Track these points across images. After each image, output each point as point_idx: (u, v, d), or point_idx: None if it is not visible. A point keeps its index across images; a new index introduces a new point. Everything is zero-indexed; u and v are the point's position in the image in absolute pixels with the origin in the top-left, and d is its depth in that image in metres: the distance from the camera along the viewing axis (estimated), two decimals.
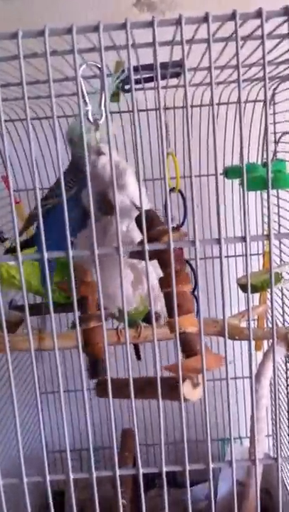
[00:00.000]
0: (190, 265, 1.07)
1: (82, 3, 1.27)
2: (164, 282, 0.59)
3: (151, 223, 0.58)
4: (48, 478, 0.51)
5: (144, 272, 0.51)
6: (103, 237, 0.74)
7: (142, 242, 0.48)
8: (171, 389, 0.53)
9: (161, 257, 0.55)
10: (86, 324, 0.90)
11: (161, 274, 0.62)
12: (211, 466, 0.52)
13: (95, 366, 0.75)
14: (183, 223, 1.11)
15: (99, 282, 0.49)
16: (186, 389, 0.62)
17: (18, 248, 0.48)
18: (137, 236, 0.68)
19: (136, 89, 1.00)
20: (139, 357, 1.13)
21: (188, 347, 0.62)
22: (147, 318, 1.01)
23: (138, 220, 0.61)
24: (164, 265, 0.58)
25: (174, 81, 0.99)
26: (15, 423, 0.51)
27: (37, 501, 1.30)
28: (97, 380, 0.75)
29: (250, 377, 0.54)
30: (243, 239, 0.47)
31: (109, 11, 1.26)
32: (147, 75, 0.90)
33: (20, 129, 1.17)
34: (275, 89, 1.13)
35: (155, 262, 0.62)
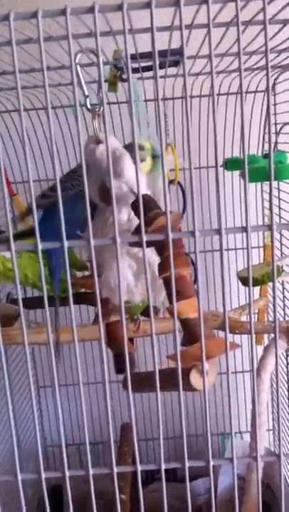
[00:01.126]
0: (190, 258, 1.06)
1: None
2: (162, 267, 0.57)
3: (148, 208, 0.56)
4: (43, 475, 0.49)
5: (147, 262, 0.49)
6: (106, 228, 0.72)
7: (139, 229, 0.46)
8: (181, 378, 0.51)
9: (157, 242, 0.53)
10: (106, 319, 0.89)
11: None
12: (212, 463, 0.51)
13: (121, 360, 0.74)
14: (183, 214, 1.09)
15: (95, 274, 0.48)
16: (192, 378, 0.61)
17: (11, 238, 0.47)
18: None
19: (135, 79, 0.98)
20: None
21: (191, 333, 0.60)
22: (146, 312, 0.99)
23: (134, 206, 0.59)
24: (161, 250, 0.56)
25: (173, 70, 0.97)
26: (9, 418, 0.50)
27: (35, 495, 1.30)
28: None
29: (252, 371, 0.52)
30: (244, 229, 0.45)
31: (112, 2, 1.23)
32: (146, 64, 0.89)
33: (17, 120, 1.15)
34: (275, 79, 1.11)
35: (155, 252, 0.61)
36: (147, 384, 0.55)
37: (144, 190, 0.66)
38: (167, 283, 0.57)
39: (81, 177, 0.76)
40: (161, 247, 0.56)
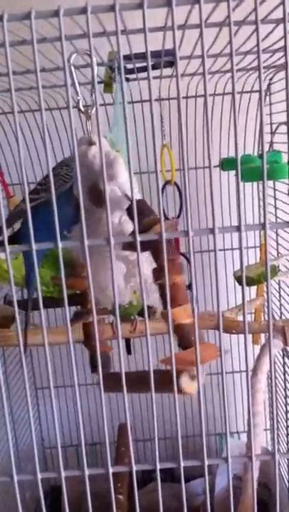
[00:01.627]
0: (186, 257, 1.06)
1: None
2: (157, 273, 0.57)
3: (142, 213, 0.56)
4: (39, 476, 0.49)
5: (137, 264, 0.49)
6: (96, 230, 0.72)
7: (133, 233, 0.46)
8: (170, 382, 0.52)
9: (153, 248, 0.53)
10: (86, 318, 0.89)
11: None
12: (207, 462, 0.51)
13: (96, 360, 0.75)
14: (179, 216, 1.09)
15: (89, 275, 0.48)
16: (183, 382, 0.62)
17: (6, 240, 0.47)
18: (130, 228, 0.67)
19: (130, 80, 0.98)
20: (129, 351, 1.12)
21: (186, 339, 0.61)
22: (143, 313, 0.99)
23: (130, 211, 0.60)
24: (156, 256, 0.57)
25: (168, 71, 0.97)
26: (5, 420, 0.50)
27: (34, 496, 1.30)
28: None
29: (247, 371, 0.52)
30: (238, 228, 0.46)
31: (106, 3, 1.23)
32: (141, 65, 0.89)
33: (13, 122, 1.15)
34: (270, 79, 1.11)
35: (149, 254, 0.61)
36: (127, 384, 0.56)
37: (136, 194, 0.66)
38: (162, 289, 0.57)
39: (64, 177, 0.76)
40: (157, 253, 0.56)
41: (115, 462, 1.07)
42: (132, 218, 0.60)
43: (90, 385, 1.34)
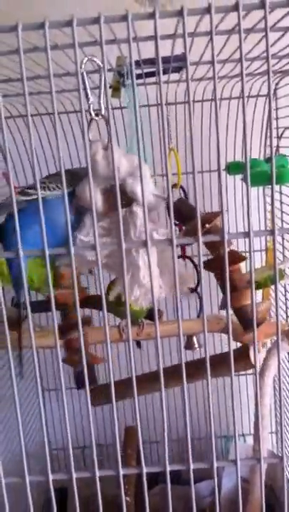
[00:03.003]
0: (192, 262, 1.06)
1: (84, 3, 1.26)
2: (215, 264, 0.63)
3: (190, 211, 0.59)
4: (50, 477, 0.50)
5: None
6: (124, 232, 0.73)
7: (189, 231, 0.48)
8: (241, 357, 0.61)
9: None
10: (69, 333, 0.87)
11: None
12: (216, 465, 0.51)
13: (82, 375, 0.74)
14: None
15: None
16: (251, 355, 0.72)
17: (20, 245, 0.48)
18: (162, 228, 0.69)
19: (137, 85, 0.99)
20: (139, 345, 1.13)
21: (247, 318, 0.70)
22: (149, 316, 1.00)
23: (176, 210, 0.62)
24: (213, 247, 0.60)
25: (175, 76, 0.98)
26: (17, 421, 0.51)
27: (40, 497, 1.30)
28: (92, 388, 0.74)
29: (255, 374, 0.53)
30: (247, 234, 0.46)
31: (110, 6, 1.24)
32: (148, 70, 0.89)
33: (21, 126, 1.16)
34: (277, 83, 1.12)
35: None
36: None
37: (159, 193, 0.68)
38: (222, 278, 0.64)
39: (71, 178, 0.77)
40: (213, 246, 0.60)
41: (122, 465, 1.08)
42: (177, 217, 0.67)
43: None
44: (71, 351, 0.81)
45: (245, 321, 0.69)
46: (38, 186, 0.48)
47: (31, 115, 1.10)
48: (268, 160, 1.10)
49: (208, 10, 0.42)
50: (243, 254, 1.24)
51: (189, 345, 1.17)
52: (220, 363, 0.56)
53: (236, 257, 0.64)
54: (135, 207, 0.65)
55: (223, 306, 0.66)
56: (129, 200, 0.64)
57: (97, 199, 0.64)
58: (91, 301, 0.92)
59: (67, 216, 0.48)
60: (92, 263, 0.69)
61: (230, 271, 0.62)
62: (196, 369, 0.65)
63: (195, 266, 1.05)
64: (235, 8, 0.42)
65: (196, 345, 1.11)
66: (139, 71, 0.89)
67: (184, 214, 0.59)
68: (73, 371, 0.80)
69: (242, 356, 0.73)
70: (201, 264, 0.50)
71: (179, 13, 0.42)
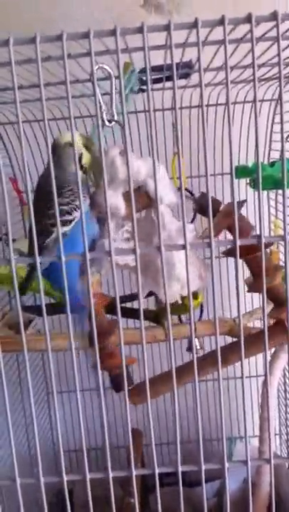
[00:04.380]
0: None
1: (89, 4, 1.27)
2: (247, 251, 0.65)
3: (214, 203, 0.62)
4: (65, 478, 0.51)
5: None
6: (148, 234, 0.74)
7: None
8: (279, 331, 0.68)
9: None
10: (101, 339, 0.88)
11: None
12: (227, 465, 0.53)
13: (117, 379, 0.76)
14: (193, 221, 1.11)
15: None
16: None
17: (36, 251, 0.49)
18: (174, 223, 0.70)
19: (143, 91, 1.01)
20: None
21: (280, 297, 0.74)
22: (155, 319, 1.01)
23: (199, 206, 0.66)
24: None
25: (182, 82, 0.99)
26: (26, 422, 0.52)
27: (48, 499, 1.31)
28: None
29: (266, 377, 0.54)
30: (258, 237, 0.47)
31: (116, 11, 1.26)
32: (156, 76, 0.91)
33: (28, 131, 1.17)
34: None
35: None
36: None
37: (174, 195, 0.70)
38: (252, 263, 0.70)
39: (73, 192, 0.77)
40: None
41: (127, 467, 1.08)
42: (201, 213, 0.71)
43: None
44: (106, 356, 0.81)
45: (279, 299, 0.74)
46: (58, 216, 0.49)
47: (37, 120, 1.12)
48: (273, 164, 1.11)
49: (221, 22, 0.43)
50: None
51: (191, 347, 1.18)
52: (255, 342, 0.60)
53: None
54: (160, 207, 0.66)
55: (255, 289, 0.70)
56: (151, 201, 0.65)
57: (120, 204, 0.65)
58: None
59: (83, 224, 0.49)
60: (123, 267, 0.71)
61: (256, 256, 0.67)
62: (231, 352, 0.69)
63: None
64: (248, 20, 0.44)
65: (198, 348, 1.12)
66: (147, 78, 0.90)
67: (208, 208, 0.60)
68: (109, 375, 0.81)
69: (279, 330, 0.77)
70: (213, 266, 0.51)
71: (194, 25, 0.43)
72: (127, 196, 0.66)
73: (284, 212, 0.47)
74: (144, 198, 0.69)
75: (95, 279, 0.72)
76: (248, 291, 0.75)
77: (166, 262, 0.67)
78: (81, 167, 0.80)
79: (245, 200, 0.91)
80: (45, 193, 0.79)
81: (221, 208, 0.71)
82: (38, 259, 0.49)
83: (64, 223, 0.75)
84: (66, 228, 0.75)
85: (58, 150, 0.79)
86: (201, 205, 0.72)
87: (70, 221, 0.75)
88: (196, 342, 1.18)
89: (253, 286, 0.72)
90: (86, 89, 0.98)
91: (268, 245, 0.79)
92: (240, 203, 0.59)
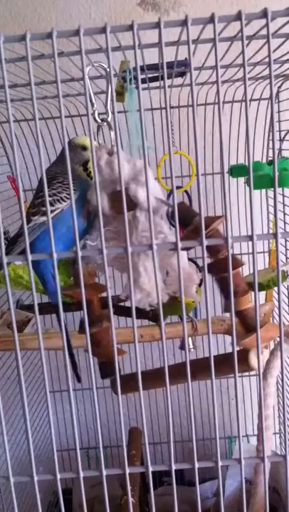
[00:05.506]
0: (196, 264, 1.07)
1: (86, 3, 1.27)
2: (217, 267, 0.62)
3: (189, 214, 0.60)
4: (58, 476, 0.51)
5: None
6: (128, 235, 0.73)
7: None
8: (240, 361, 0.58)
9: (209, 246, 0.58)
10: (94, 327, 0.89)
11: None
12: (220, 463, 0.52)
13: (107, 366, 0.76)
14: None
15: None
16: (252, 358, 0.70)
17: (28, 248, 0.49)
18: (165, 228, 0.69)
19: (141, 89, 1.01)
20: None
21: (250, 322, 0.68)
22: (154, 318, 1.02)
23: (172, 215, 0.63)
24: (213, 251, 0.61)
25: (178, 80, 0.99)
26: (25, 422, 0.52)
27: (47, 498, 1.31)
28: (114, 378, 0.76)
29: (259, 375, 0.54)
30: (250, 238, 0.47)
31: (113, 10, 1.26)
32: (152, 75, 0.91)
33: (25, 129, 1.18)
34: (279, 87, 1.13)
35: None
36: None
37: (161, 196, 0.69)
38: (222, 282, 0.63)
39: (62, 185, 0.78)
40: (213, 249, 0.60)
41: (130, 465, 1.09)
42: (174, 222, 0.63)
43: (101, 388, 1.35)
44: (95, 344, 0.82)
45: (247, 324, 0.69)
46: (48, 206, 0.49)
47: (30, 120, 1.12)
48: (270, 163, 1.11)
49: (211, 20, 0.43)
50: (246, 255, 1.27)
51: (184, 346, 1.18)
52: (218, 365, 0.57)
53: (235, 262, 0.64)
54: (138, 211, 0.66)
55: (227, 309, 0.67)
56: (133, 204, 0.65)
57: (104, 203, 0.65)
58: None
59: (75, 223, 0.49)
60: (100, 266, 0.71)
61: (225, 277, 0.62)
62: (195, 368, 0.67)
63: (198, 267, 1.06)
64: (238, 17, 0.44)
65: (191, 347, 1.12)
66: (142, 76, 0.90)
67: (181, 218, 0.59)
68: (98, 362, 0.83)
69: (240, 360, 0.71)
70: (206, 266, 0.51)
71: (183, 23, 0.43)
72: (112, 197, 0.66)
73: (275, 210, 0.47)
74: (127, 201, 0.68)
75: (86, 270, 0.72)
76: (225, 312, 0.74)
77: (133, 268, 0.67)
78: (86, 169, 0.82)
79: (224, 216, 0.91)
80: (40, 184, 0.84)
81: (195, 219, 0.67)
82: (5, 259, 0.49)
83: (43, 213, 0.77)
84: (44, 218, 0.76)
85: (70, 148, 0.81)
86: (173, 214, 0.70)
87: (52, 211, 0.76)
88: (189, 341, 1.18)
89: (225, 307, 0.70)
90: (83, 87, 0.98)
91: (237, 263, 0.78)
92: (217, 218, 0.57)
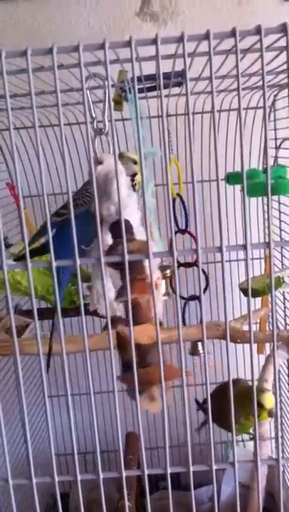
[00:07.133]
0: (191, 265, 1.09)
1: (85, 11, 1.29)
2: (121, 291, 0.59)
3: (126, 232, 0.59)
4: (56, 479, 0.52)
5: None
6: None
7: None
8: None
9: (120, 266, 0.54)
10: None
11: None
12: (214, 467, 0.54)
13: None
14: (186, 227, 1.12)
15: (105, 288, 0.51)
16: (143, 403, 0.65)
17: (28, 255, 0.50)
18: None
19: (139, 98, 1.02)
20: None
21: (142, 359, 0.63)
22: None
23: (111, 229, 0.63)
24: (123, 274, 0.56)
25: (176, 89, 1.01)
26: (24, 425, 0.53)
27: (45, 501, 1.32)
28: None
29: (252, 381, 0.55)
30: (244, 247, 0.49)
31: (112, 18, 1.28)
32: (150, 85, 0.92)
33: (24, 137, 1.19)
34: (275, 96, 1.15)
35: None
36: None
37: (135, 211, 0.67)
38: (125, 307, 0.59)
39: (89, 196, 0.80)
40: (124, 273, 0.55)
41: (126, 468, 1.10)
42: (113, 236, 0.63)
43: (98, 393, 1.36)
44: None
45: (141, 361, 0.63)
46: (48, 215, 0.50)
47: (36, 126, 1.14)
48: (266, 170, 1.12)
49: (206, 36, 0.45)
50: (242, 262, 1.28)
51: (194, 351, 1.19)
52: None
53: (143, 287, 0.61)
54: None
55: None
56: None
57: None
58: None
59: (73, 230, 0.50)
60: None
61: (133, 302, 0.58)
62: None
63: (204, 272, 1.07)
64: (232, 34, 0.45)
65: (201, 351, 1.13)
66: (140, 86, 0.91)
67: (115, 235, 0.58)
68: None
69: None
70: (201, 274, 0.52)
71: (180, 39, 0.44)
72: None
73: (268, 218, 0.48)
74: None
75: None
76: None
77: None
78: (132, 180, 0.87)
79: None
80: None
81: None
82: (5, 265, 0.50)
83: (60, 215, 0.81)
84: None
85: (121, 160, 0.86)
86: (112, 231, 0.66)
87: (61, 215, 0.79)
88: (199, 346, 1.19)
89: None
90: (82, 97, 0.99)
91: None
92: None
